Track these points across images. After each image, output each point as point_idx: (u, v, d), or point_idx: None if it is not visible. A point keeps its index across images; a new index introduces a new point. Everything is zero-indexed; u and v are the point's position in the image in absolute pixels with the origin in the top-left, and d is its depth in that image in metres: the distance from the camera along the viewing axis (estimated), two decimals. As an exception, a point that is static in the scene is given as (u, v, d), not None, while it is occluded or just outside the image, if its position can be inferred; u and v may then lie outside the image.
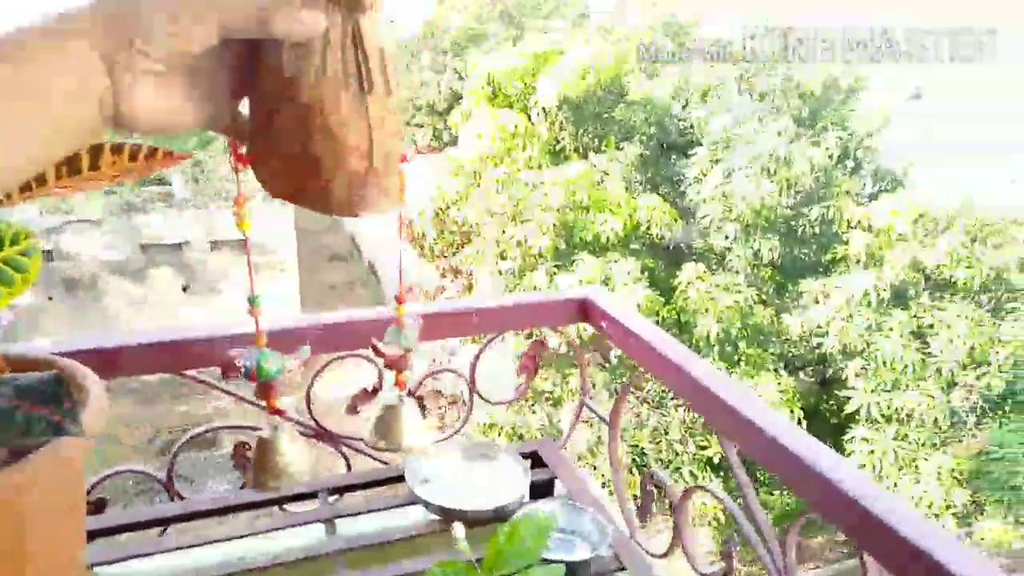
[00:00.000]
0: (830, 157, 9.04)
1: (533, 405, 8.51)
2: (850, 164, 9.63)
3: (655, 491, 1.40)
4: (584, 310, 1.54)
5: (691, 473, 7.85)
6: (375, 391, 1.47)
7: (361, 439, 1.45)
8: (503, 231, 8.85)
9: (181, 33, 0.49)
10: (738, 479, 1.21)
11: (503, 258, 9.06)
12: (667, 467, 8.17)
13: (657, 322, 8.38)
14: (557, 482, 1.43)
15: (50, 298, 12.23)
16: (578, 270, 8.16)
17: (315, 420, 1.38)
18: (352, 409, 1.48)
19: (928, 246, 8.04)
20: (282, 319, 1.31)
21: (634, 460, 7.99)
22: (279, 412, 0.72)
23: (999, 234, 7.90)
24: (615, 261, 8.25)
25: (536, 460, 1.47)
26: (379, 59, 0.58)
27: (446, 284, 9.64)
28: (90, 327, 12.24)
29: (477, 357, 1.49)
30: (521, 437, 7.97)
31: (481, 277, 9.35)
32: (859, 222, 8.55)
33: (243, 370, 0.69)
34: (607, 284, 8.19)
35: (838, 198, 8.92)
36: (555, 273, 8.43)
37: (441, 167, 10.39)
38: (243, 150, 0.62)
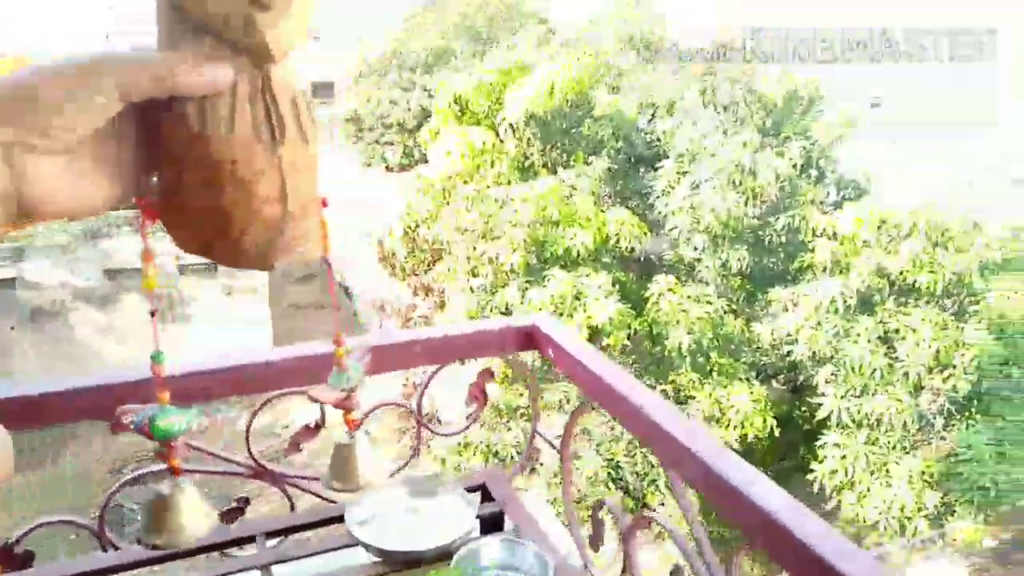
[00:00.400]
0: (794, 167, 9.18)
1: (508, 421, 8.48)
2: (814, 173, 9.79)
3: (604, 521, 1.38)
4: (532, 338, 1.53)
5: (666, 485, 7.85)
6: (318, 427, 1.44)
7: (303, 477, 1.41)
8: (474, 248, 8.84)
9: (80, 107, 0.47)
10: (682, 507, 1.20)
11: (475, 275, 9.04)
12: (643, 479, 8.16)
13: (629, 335, 8.41)
14: (506, 515, 1.41)
15: (12, 328, 11.95)
16: (550, 285, 8.17)
17: (255, 459, 1.35)
18: (295, 447, 1.45)
19: (892, 252, 8.18)
20: (210, 361, 1.28)
21: (609, 474, 7.98)
22: (176, 472, 0.69)
23: (960, 239, 8.06)
24: (586, 275, 8.27)
25: (486, 492, 1.45)
26: (291, 106, 0.56)
27: (417, 302, 9.59)
28: (56, 357, 11.98)
29: (422, 392, 1.47)
30: (496, 454, 7.92)
31: (453, 295, 9.33)
32: (824, 230, 8.68)
33: (132, 426, 0.66)
34: (579, 298, 8.20)
35: (803, 207, 9.05)
36: (527, 288, 8.43)
37: (411, 185, 10.37)
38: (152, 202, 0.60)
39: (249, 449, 1.35)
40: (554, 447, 1.55)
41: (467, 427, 1.59)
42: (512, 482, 1.50)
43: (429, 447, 8.83)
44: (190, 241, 0.58)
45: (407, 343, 1.43)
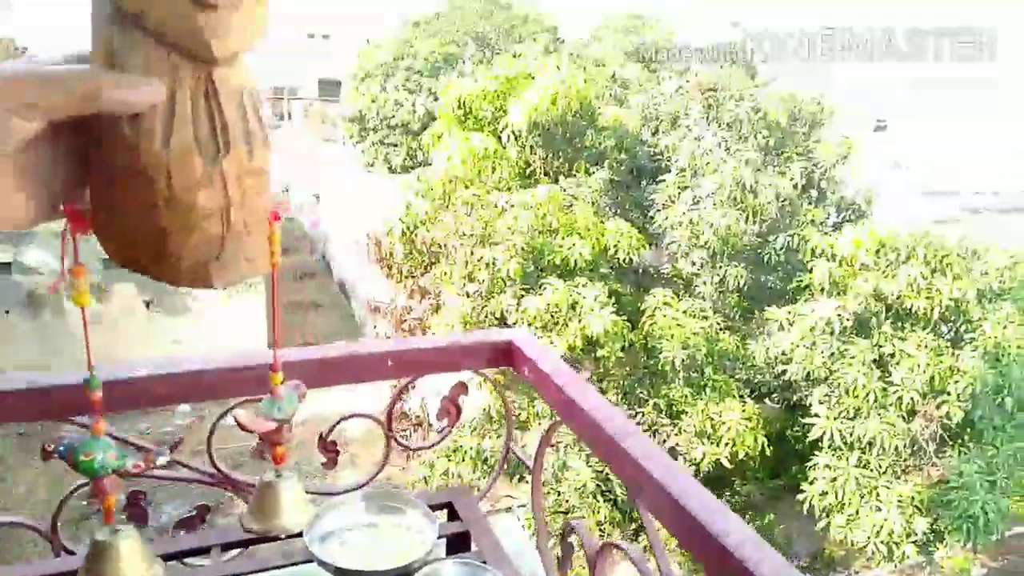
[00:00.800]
0: (795, 187, 9.17)
1: (498, 428, 8.43)
2: (815, 193, 9.78)
3: (573, 546, 1.35)
4: (509, 354, 1.50)
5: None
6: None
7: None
8: (471, 252, 8.80)
9: (6, 130, 0.45)
10: (650, 541, 1.17)
11: (471, 280, 9.00)
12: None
13: (624, 347, 8.37)
14: (472, 536, 1.38)
15: (7, 312, 11.92)
16: (545, 293, 8.14)
17: (216, 467, 1.32)
18: (260, 454, 1.41)
19: (889, 276, 8.15)
20: (151, 366, 1.25)
21: (598, 486, 7.92)
22: (109, 519, 0.65)
23: (958, 265, 8.03)
24: (583, 285, 8.24)
25: (453, 510, 1.42)
26: (239, 112, 0.53)
27: (413, 305, 9.56)
28: (49, 343, 11.94)
29: (393, 403, 1.44)
30: (485, 460, 7.87)
31: (448, 298, 9.29)
32: (823, 251, 8.66)
33: (56, 455, 0.63)
34: (575, 308, 8.17)
35: (803, 227, 9.04)
36: (523, 296, 8.39)
37: (412, 187, 10.35)
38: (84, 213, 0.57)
39: (211, 456, 1.32)
40: (527, 466, 1.52)
41: (439, 442, 1.55)
42: (480, 501, 1.47)
43: (417, 454, 8.80)
44: (123, 256, 0.55)
45: (378, 355, 1.40)
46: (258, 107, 0.55)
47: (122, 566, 0.64)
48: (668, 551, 1.19)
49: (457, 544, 1.40)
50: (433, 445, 1.49)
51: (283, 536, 1.26)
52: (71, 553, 1.25)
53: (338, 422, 1.40)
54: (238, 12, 0.50)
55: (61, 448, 0.62)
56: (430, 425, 9.08)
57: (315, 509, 0.82)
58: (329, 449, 1.39)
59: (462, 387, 1.50)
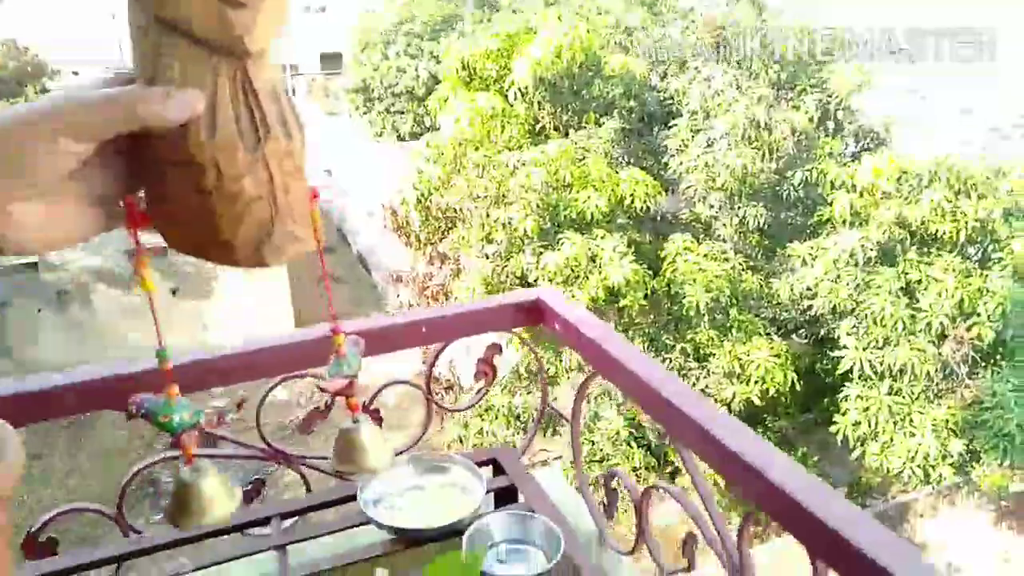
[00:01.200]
0: (810, 120, 9.00)
1: (529, 385, 8.53)
2: (831, 125, 9.59)
3: (616, 491, 1.39)
4: (538, 312, 1.52)
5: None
6: (328, 408, 1.46)
7: (317, 457, 1.44)
8: (487, 214, 8.80)
9: (47, 154, 0.48)
10: (694, 481, 1.20)
11: (489, 241, 9.02)
12: (665, 437, 8.21)
13: (647, 295, 8.37)
14: (519, 489, 1.42)
15: (40, 311, 12.17)
16: (563, 248, 8.13)
17: (267, 443, 1.37)
18: (305, 429, 1.47)
19: (912, 202, 8.03)
20: (223, 349, 1.29)
21: (631, 433, 8.02)
22: (188, 460, 0.71)
23: (982, 186, 7.88)
24: (601, 237, 8.22)
25: (497, 466, 1.46)
26: (273, 102, 0.56)
27: (433, 272, 9.61)
28: (81, 339, 12.20)
29: (431, 369, 1.48)
30: (518, 417, 7.98)
31: (468, 262, 9.32)
32: (843, 183, 8.53)
33: (140, 415, 0.68)
34: (595, 260, 8.16)
35: (821, 160, 8.89)
36: (542, 253, 8.40)
37: (422, 153, 10.32)
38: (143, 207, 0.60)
39: (261, 433, 1.37)
40: (564, 419, 1.55)
41: (477, 401, 1.60)
42: (521, 456, 1.51)
43: (451, 415, 8.95)
44: (182, 244, 0.59)
45: (412, 323, 1.44)
46: (288, 94, 0.58)
47: (207, 496, 0.70)
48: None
49: (504, 498, 1.44)
50: (471, 405, 1.53)
51: (340, 500, 1.31)
52: (138, 532, 1.32)
53: (380, 389, 1.44)
54: (265, 6, 0.53)
55: (144, 409, 0.67)
56: (460, 387, 9.20)
57: (391, 455, 0.87)
58: (373, 417, 1.44)
59: (496, 348, 1.53)
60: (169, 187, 0.56)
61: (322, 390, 0.84)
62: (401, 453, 1.43)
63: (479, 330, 1.53)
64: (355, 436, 0.88)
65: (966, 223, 7.73)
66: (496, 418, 7.96)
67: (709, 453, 1.07)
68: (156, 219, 0.58)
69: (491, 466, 1.46)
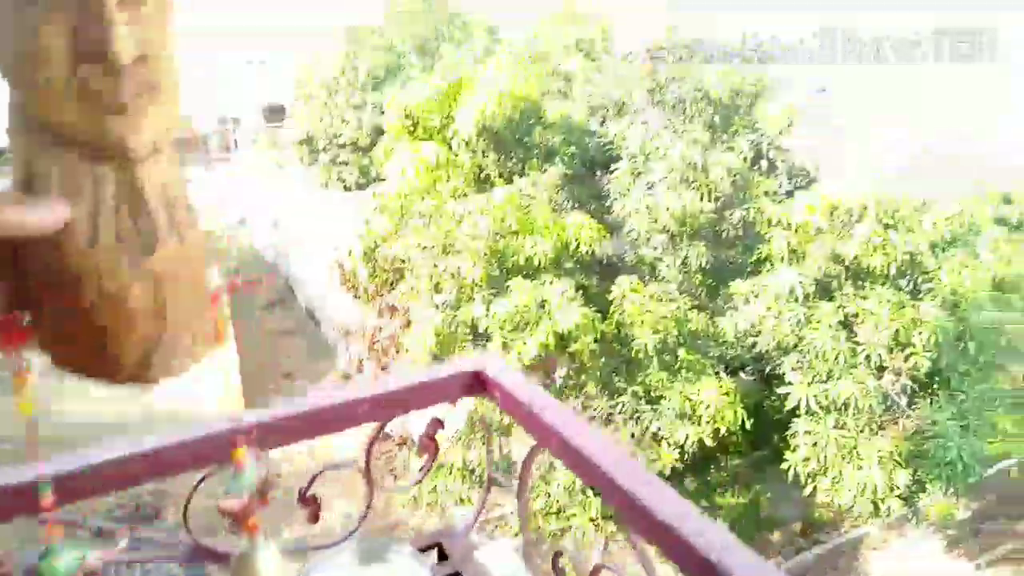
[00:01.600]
0: (744, 160, 9.31)
1: (483, 436, 8.41)
2: (764, 165, 9.93)
3: (564, 570, 1.36)
4: (480, 382, 1.50)
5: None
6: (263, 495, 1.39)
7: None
8: (435, 264, 8.77)
9: None
10: (641, 562, 1.18)
11: (438, 291, 8.97)
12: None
13: (596, 339, 8.41)
14: None
15: None
16: (512, 295, 8.14)
17: (194, 539, 1.30)
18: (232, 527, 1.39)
19: (844, 237, 8.32)
20: (118, 449, 1.22)
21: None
22: None
23: (910, 218, 8.23)
24: (549, 282, 8.27)
25: (441, 551, 1.42)
26: (165, 206, 0.53)
27: (383, 324, 9.49)
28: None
29: (371, 448, 1.43)
30: (472, 472, 7.84)
31: (418, 312, 9.24)
32: (779, 220, 8.79)
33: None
34: (544, 306, 8.19)
35: (757, 199, 9.17)
36: (491, 300, 8.39)
37: (369, 204, 10.28)
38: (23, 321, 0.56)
39: (187, 527, 1.30)
40: (512, 486, 1.52)
41: (420, 480, 1.55)
42: (470, 532, 1.47)
43: (405, 468, 8.76)
44: (65, 362, 0.55)
45: (353, 402, 1.40)
46: (184, 195, 0.55)
47: None
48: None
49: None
50: (415, 483, 1.48)
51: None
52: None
53: (314, 478, 1.39)
54: (153, 109, 0.51)
55: (27, 569, 0.61)
56: (414, 442, 9.03)
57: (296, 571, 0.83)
58: (308, 504, 1.38)
59: (438, 423, 1.50)
60: (50, 299, 0.52)
61: (222, 512, 0.80)
62: (342, 541, 1.38)
63: (421, 404, 1.49)
64: (250, 564, 0.84)
65: (896, 256, 8.03)
66: (450, 474, 7.82)
67: (658, 536, 1.06)
68: (39, 336, 0.54)
69: (436, 550, 1.41)
